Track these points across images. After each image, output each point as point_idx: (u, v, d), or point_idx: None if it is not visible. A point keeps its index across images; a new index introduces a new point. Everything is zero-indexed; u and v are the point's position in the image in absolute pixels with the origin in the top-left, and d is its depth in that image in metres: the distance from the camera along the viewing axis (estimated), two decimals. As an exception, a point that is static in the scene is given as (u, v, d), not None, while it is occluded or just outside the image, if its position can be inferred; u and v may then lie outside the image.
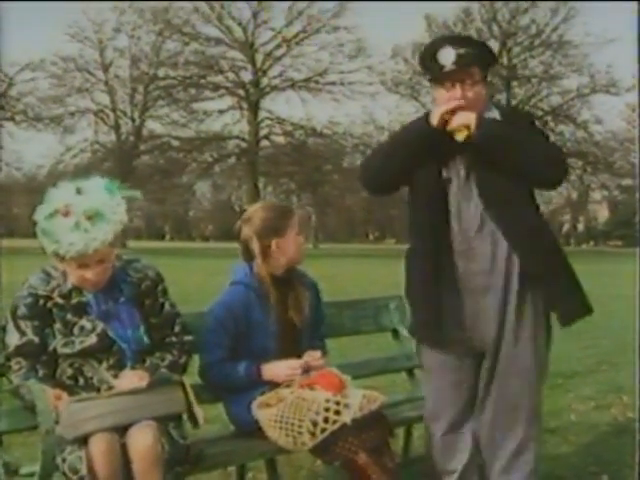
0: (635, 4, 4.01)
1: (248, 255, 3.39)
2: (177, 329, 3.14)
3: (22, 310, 2.94)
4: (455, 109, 3.07)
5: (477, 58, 3.08)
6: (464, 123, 3.05)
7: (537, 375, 3.25)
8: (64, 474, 2.69)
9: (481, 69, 3.12)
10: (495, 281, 3.13)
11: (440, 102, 3.14)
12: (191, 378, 3.14)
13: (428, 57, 3.12)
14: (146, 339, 3.03)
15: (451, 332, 3.17)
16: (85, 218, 2.83)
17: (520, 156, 3.08)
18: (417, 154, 3.14)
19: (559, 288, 3.17)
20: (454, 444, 3.29)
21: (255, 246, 3.34)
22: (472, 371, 3.28)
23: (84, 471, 2.65)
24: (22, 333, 2.93)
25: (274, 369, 3.25)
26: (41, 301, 2.95)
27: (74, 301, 2.96)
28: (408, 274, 3.32)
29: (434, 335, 3.22)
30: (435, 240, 3.16)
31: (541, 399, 3.33)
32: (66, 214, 2.83)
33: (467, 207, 3.14)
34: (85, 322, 2.95)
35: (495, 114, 3.20)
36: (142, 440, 2.73)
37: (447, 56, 3.05)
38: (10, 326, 2.95)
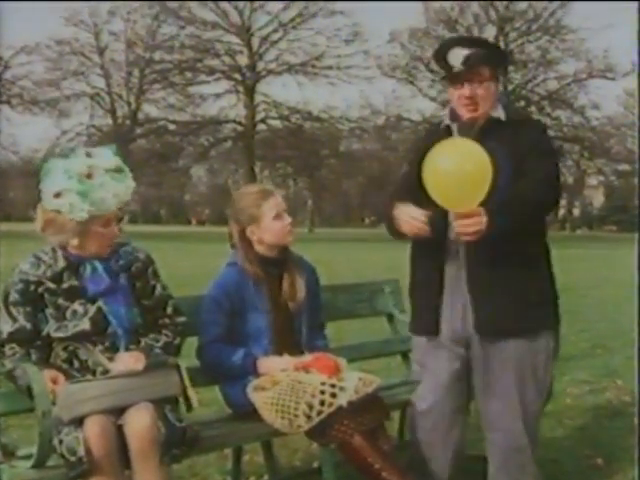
0: (635, 4, 4.01)
1: (232, 239, 3.43)
2: (169, 311, 3.15)
3: (13, 296, 2.94)
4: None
5: (485, 58, 3.16)
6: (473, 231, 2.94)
7: (525, 370, 3.20)
8: (62, 455, 2.70)
9: (490, 68, 3.20)
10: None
11: (451, 99, 3.25)
12: (186, 361, 3.15)
13: (439, 58, 3.21)
14: (139, 319, 3.04)
15: (440, 324, 3.21)
16: (108, 175, 2.91)
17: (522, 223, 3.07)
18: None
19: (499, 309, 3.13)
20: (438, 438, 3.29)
21: (233, 232, 3.41)
22: (466, 361, 3.27)
23: (82, 452, 2.65)
24: (14, 319, 2.93)
25: (270, 364, 3.25)
26: (32, 286, 2.94)
27: (65, 285, 2.95)
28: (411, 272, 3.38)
29: (428, 327, 3.26)
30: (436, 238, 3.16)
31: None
32: (89, 176, 2.88)
33: None
34: (77, 306, 2.95)
35: (500, 114, 3.21)
36: (139, 421, 2.74)
37: (456, 57, 3.15)
38: (2, 313, 2.95)
